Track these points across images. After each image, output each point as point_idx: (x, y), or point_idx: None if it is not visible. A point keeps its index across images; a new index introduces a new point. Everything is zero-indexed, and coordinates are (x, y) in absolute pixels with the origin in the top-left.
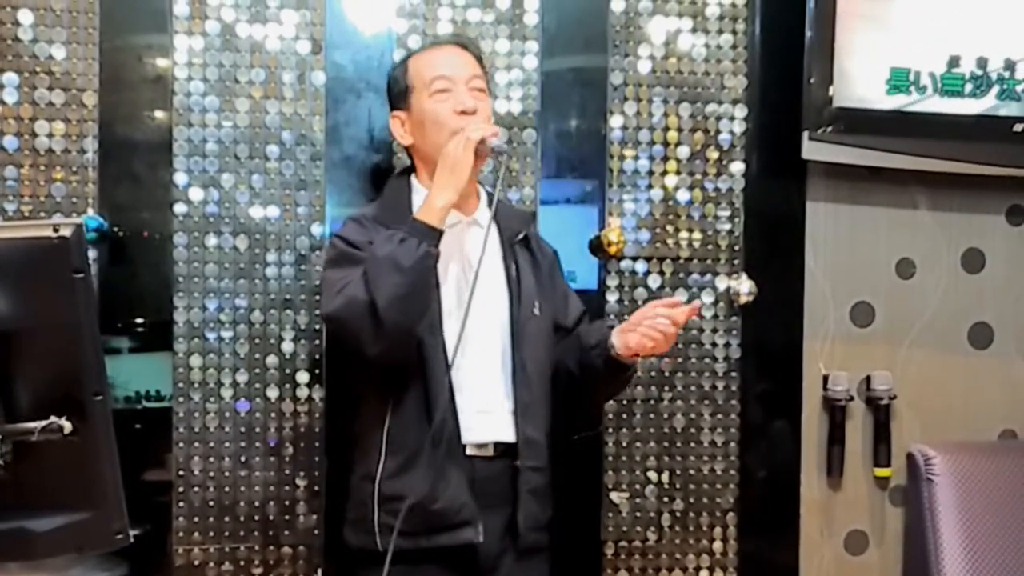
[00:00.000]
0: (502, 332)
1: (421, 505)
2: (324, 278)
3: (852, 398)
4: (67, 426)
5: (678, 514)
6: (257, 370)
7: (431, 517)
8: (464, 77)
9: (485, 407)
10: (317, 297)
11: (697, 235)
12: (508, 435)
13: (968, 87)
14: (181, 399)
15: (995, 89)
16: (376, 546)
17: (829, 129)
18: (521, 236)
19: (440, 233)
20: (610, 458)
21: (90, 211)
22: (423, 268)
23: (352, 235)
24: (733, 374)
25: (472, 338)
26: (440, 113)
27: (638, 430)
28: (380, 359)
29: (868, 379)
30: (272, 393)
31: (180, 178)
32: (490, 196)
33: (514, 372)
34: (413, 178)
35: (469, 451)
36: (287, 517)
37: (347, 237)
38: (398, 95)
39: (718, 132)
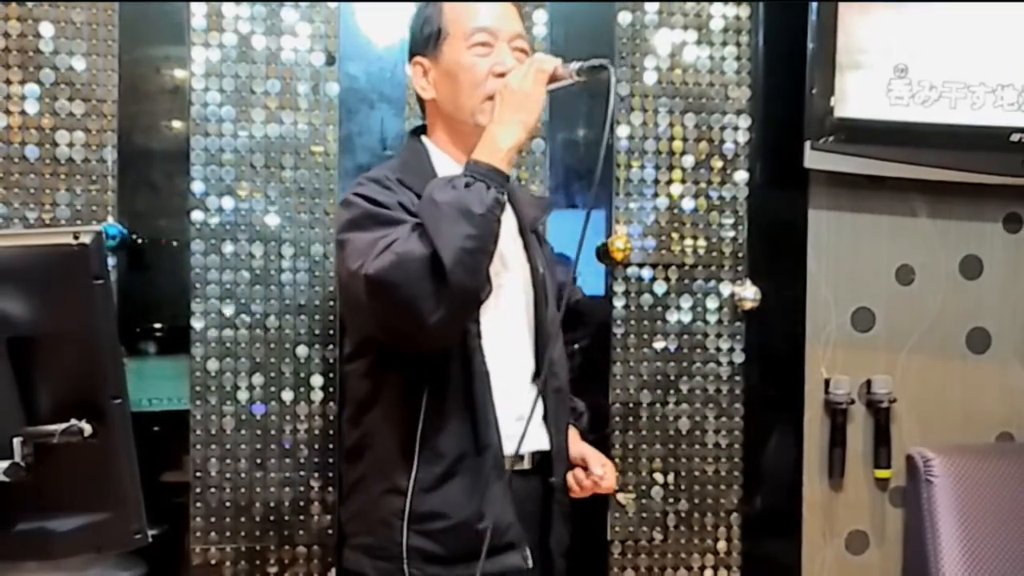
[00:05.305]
0: (529, 330)
1: (464, 525)
2: (348, 240)
3: (853, 401)
4: (87, 429)
5: (683, 514)
6: (273, 374)
7: (474, 539)
8: (508, 34)
9: (522, 413)
10: (331, 303)
11: (702, 242)
12: (544, 444)
13: (967, 98)
14: (198, 402)
15: (993, 100)
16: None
17: (831, 139)
18: (539, 224)
19: (507, 178)
20: (616, 460)
21: (109, 219)
22: (493, 217)
23: (377, 195)
24: (737, 378)
25: (501, 334)
26: (478, 71)
27: (644, 432)
28: (438, 330)
29: (869, 383)
30: (287, 396)
31: (197, 186)
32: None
33: (543, 375)
34: (425, 139)
35: (506, 464)
36: (302, 517)
37: (372, 196)
38: (426, 39)
39: (722, 142)
